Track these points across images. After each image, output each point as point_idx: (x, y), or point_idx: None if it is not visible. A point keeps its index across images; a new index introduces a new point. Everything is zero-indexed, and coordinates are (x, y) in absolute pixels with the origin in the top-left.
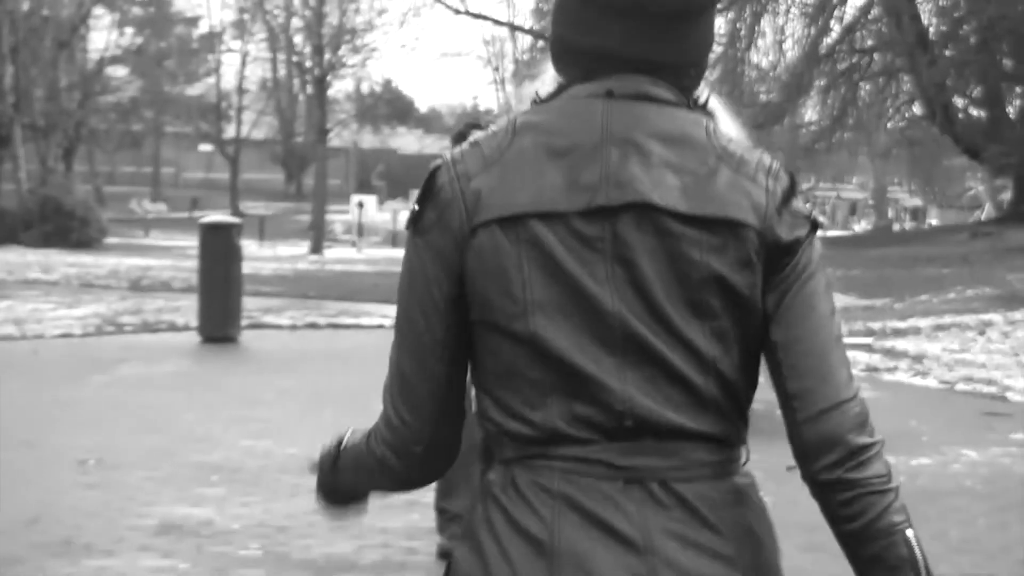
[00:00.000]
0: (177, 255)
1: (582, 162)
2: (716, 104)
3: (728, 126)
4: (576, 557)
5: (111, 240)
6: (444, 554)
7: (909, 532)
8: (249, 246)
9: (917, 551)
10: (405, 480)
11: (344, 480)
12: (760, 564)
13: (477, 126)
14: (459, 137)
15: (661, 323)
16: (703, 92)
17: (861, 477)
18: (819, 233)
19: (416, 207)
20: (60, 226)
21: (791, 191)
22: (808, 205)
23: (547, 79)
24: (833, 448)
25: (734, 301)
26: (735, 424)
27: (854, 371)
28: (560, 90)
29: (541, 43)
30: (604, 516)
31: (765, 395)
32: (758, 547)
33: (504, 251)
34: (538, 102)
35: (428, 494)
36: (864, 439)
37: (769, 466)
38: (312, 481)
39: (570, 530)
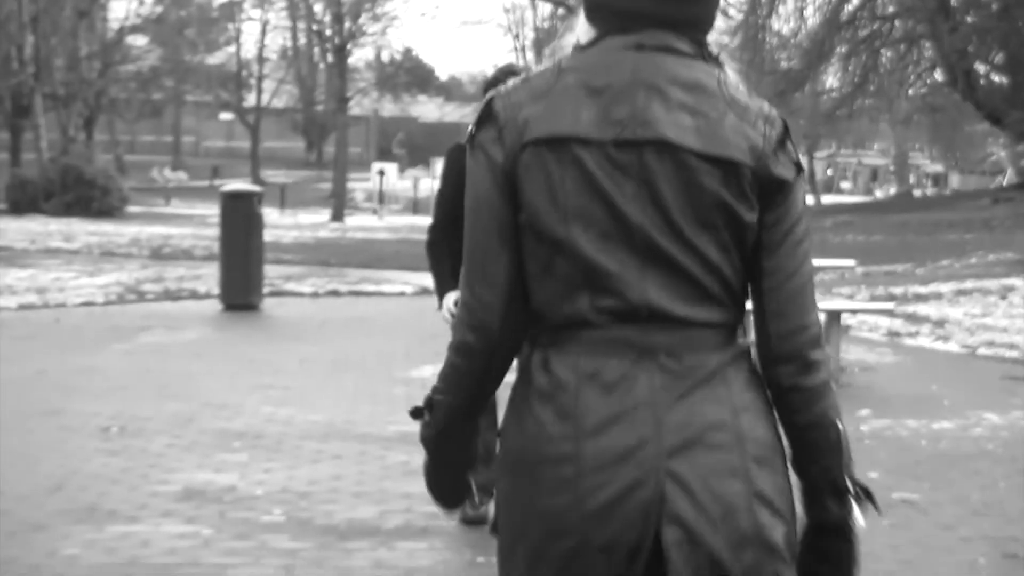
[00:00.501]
0: (198, 223)
1: (614, 100)
2: (728, 63)
3: (734, 75)
4: (594, 420)
5: (132, 209)
6: (467, 520)
7: (839, 423)
8: (270, 214)
9: (843, 437)
10: (485, 367)
11: (438, 419)
12: (754, 423)
13: (514, 73)
14: (493, 83)
15: (675, 234)
16: (717, 49)
17: (812, 384)
18: (804, 176)
19: (473, 128)
20: (81, 195)
21: (784, 136)
22: (794, 150)
23: (580, 29)
24: (795, 360)
25: (735, 222)
26: (733, 313)
27: (877, 336)
28: (597, 39)
29: (561, 11)
30: (619, 386)
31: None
32: (759, 401)
33: (548, 167)
34: (580, 49)
35: None
36: (818, 355)
37: None
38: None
39: (590, 399)
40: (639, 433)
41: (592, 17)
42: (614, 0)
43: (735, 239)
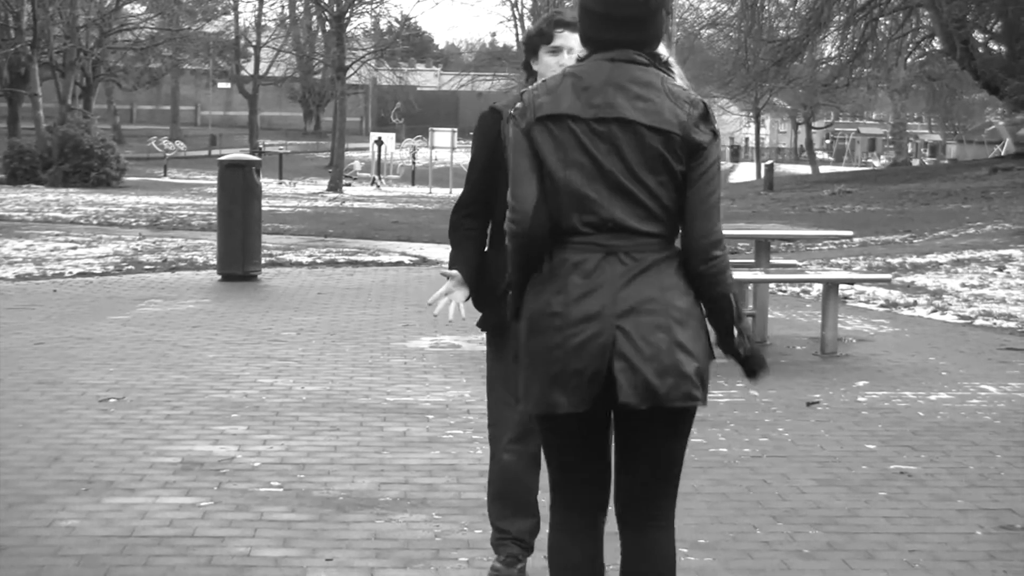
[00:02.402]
0: (196, 193)
1: (595, 93)
2: (673, 63)
3: (678, 76)
4: (575, 293)
5: (130, 179)
6: (495, 571)
7: (732, 295)
8: (268, 184)
9: (735, 303)
10: (526, 245)
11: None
12: (677, 297)
13: (565, 22)
14: (537, 32)
15: (632, 176)
16: (664, 55)
17: (716, 271)
18: (720, 138)
19: (512, 112)
20: (79, 165)
21: (704, 113)
22: (713, 122)
23: (578, 49)
24: (707, 255)
25: (670, 168)
26: (668, 228)
27: (874, 307)
28: (588, 56)
29: None
30: (591, 272)
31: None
32: (683, 289)
33: (554, 133)
34: (579, 60)
35: (447, 432)
36: (721, 252)
37: (788, 401)
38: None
39: (574, 280)
40: (602, 302)
41: (584, 43)
42: (596, 35)
43: (670, 179)
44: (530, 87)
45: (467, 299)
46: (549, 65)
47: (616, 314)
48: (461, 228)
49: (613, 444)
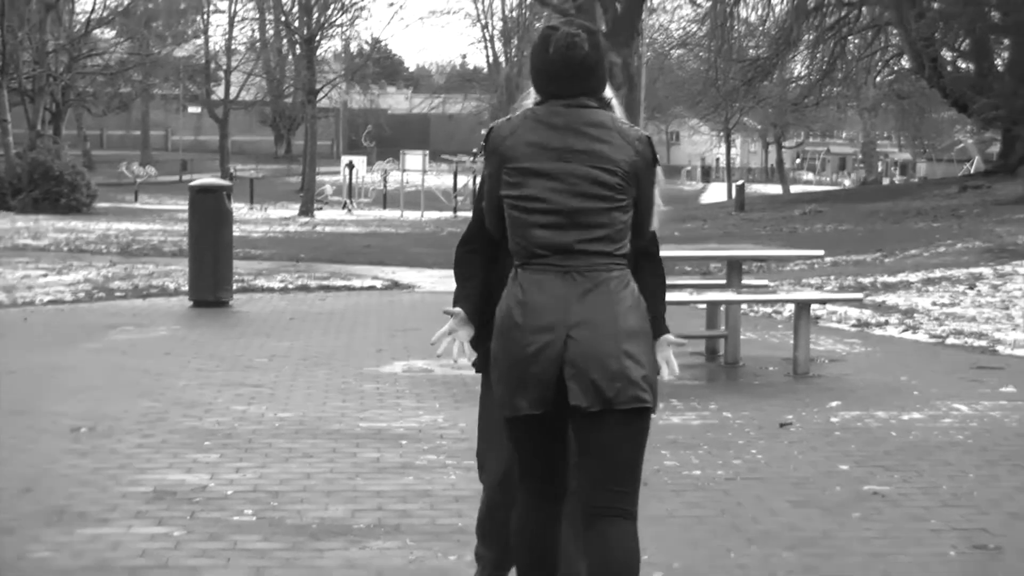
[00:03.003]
0: (167, 219)
1: (552, 136)
2: (615, 103)
3: (619, 112)
4: (536, 306)
5: (101, 205)
6: None
7: (664, 286)
8: (239, 209)
9: (663, 289)
10: (485, 242)
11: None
12: (626, 313)
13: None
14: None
15: (587, 208)
16: (610, 97)
17: (652, 264)
18: (659, 166)
19: (481, 149)
20: (49, 191)
21: (648, 148)
22: (654, 155)
23: (532, 97)
24: (647, 251)
25: (621, 198)
26: (621, 249)
27: (845, 326)
28: (543, 101)
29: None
30: (548, 289)
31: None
32: (633, 305)
33: (517, 172)
34: (536, 104)
35: (421, 458)
36: (656, 248)
37: (761, 422)
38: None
39: (534, 295)
40: (556, 315)
41: (539, 93)
42: (545, 89)
43: (621, 207)
44: (496, 124)
45: (471, 337)
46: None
47: (568, 325)
48: (465, 264)
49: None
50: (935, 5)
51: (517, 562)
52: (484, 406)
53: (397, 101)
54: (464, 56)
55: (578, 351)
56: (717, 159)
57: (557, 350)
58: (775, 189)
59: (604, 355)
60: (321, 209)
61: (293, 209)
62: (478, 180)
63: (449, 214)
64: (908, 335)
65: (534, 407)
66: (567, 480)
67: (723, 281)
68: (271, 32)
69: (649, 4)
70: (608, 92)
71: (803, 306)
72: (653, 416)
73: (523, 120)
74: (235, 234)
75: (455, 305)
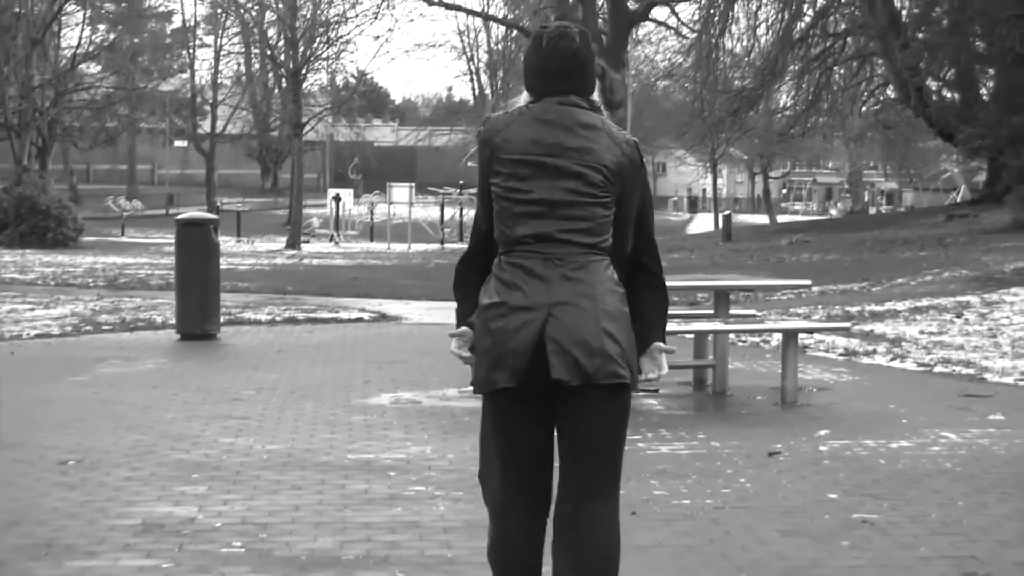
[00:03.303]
0: (154, 252)
1: (546, 132)
2: (601, 107)
3: (607, 115)
4: (520, 289)
5: (87, 239)
6: None
7: (664, 302)
8: (226, 242)
9: (664, 305)
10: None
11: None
12: (604, 295)
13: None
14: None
15: (573, 201)
16: (598, 102)
17: (652, 277)
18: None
19: (479, 141)
20: (36, 225)
21: (635, 151)
22: (640, 158)
23: (523, 97)
24: (643, 265)
25: (605, 194)
26: (603, 241)
27: (833, 355)
28: (537, 99)
29: (515, 33)
30: (535, 271)
31: (740, 382)
32: (611, 288)
33: (509, 163)
34: (530, 102)
35: (409, 489)
36: (656, 264)
37: (749, 451)
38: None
39: (520, 278)
40: (538, 297)
41: (531, 92)
42: (535, 86)
43: (604, 203)
44: (492, 117)
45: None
46: None
47: (549, 304)
48: (467, 282)
49: (556, 440)
50: (920, 35)
51: (496, 572)
52: (485, 428)
53: (383, 134)
54: (450, 89)
55: (559, 328)
56: (704, 189)
57: (538, 326)
58: (762, 219)
59: (585, 332)
60: (308, 242)
61: (280, 242)
62: (466, 213)
63: (436, 246)
64: (896, 364)
65: (509, 380)
66: (548, 500)
67: (711, 311)
68: (257, 66)
69: (635, 35)
70: (596, 97)
71: (791, 335)
72: (642, 445)
73: (519, 115)
74: (222, 267)
75: (458, 325)
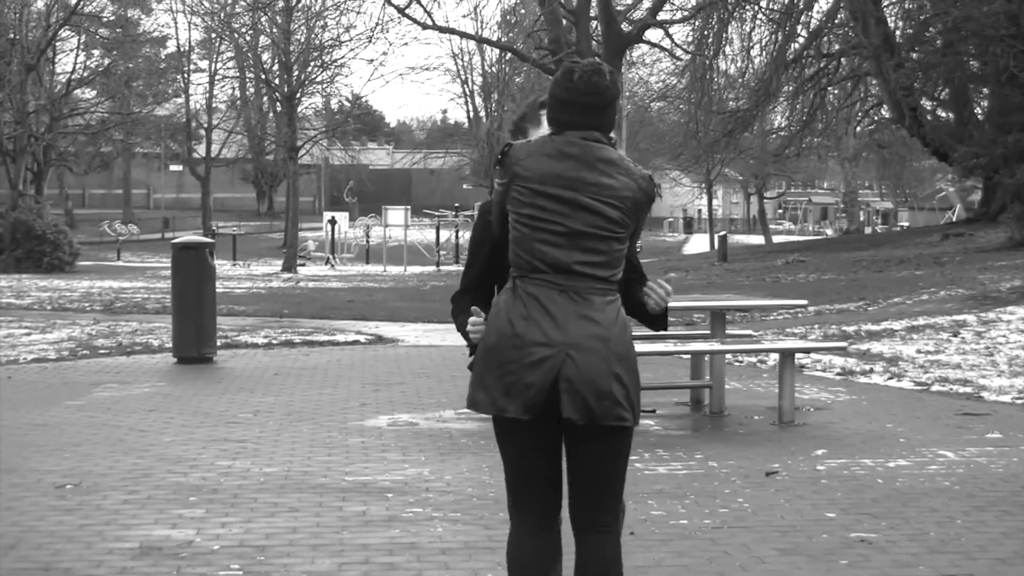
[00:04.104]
0: (150, 276)
1: (567, 166)
2: (615, 140)
3: (622, 151)
4: (537, 324)
5: (83, 263)
6: None
7: (664, 305)
8: (222, 266)
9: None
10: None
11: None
12: (618, 336)
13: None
14: (541, 105)
15: (590, 234)
16: (615, 139)
17: (642, 286)
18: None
19: (497, 165)
20: (31, 250)
21: (651, 185)
22: (654, 191)
23: (543, 128)
24: (640, 277)
25: (621, 229)
26: (615, 274)
27: (830, 375)
28: (559, 132)
29: (509, 55)
30: (548, 305)
31: (737, 402)
32: (623, 328)
33: (527, 190)
34: (552, 134)
35: (407, 511)
36: (642, 271)
37: (747, 471)
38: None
39: (533, 310)
40: (554, 331)
41: (553, 124)
42: (561, 118)
43: (619, 237)
44: (513, 145)
45: None
46: None
47: (567, 343)
48: (465, 303)
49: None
50: (913, 55)
51: None
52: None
53: (379, 157)
54: (444, 111)
55: (575, 370)
56: (699, 210)
57: (555, 365)
58: (757, 239)
59: (597, 375)
60: (304, 265)
61: (276, 265)
62: (462, 235)
63: (432, 268)
64: (893, 383)
65: (521, 412)
66: (557, 511)
67: (707, 331)
68: (252, 90)
69: (629, 57)
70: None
71: (787, 355)
72: (639, 465)
73: (540, 145)
74: (218, 290)
75: (467, 340)
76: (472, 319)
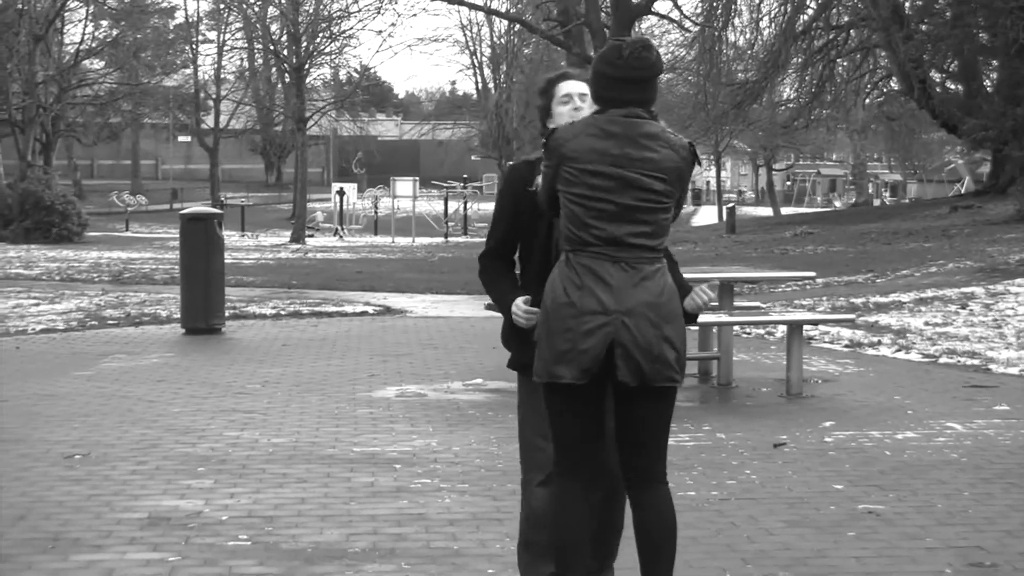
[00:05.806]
0: (158, 247)
1: (612, 145)
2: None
3: (664, 124)
4: (592, 293)
5: (92, 234)
6: None
7: (677, 266)
8: (231, 237)
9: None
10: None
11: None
12: (668, 300)
13: (566, 74)
14: (549, 82)
15: (637, 207)
16: (656, 111)
17: (672, 259)
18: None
19: (543, 146)
20: (40, 221)
21: (691, 154)
22: (697, 159)
23: (587, 107)
24: (667, 258)
25: (666, 199)
26: (663, 242)
27: (838, 347)
28: (604, 110)
29: (517, 26)
30: (603, 275)
31: (745, 373)
32: (671, 292)
33: (576, 170)
34: (596, 112)
35: (415, 481)
36: (672, 257)
37: (754, 443)
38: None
39: (588, 280)
40: (609, 300)
41: (596, 101)
42: (607, 95)
43: (665, 208)
44: (557, 128)
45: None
46: (563, 114)
47: (621, 311)
48: (491, 269)
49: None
50: (923, 27)
51: (555, 543)
52: (523, 408)
53: (387, 128)
54: (453, 83)
55: (629, 336)
56: (708, 182)
57: (611, 331)
58: (766, 211)
59: (649, 341)
60: (312, 236)
61: (284, 236)
62: (471, 206)
63: (440, 239)
64: (901, 355)
65: (576, 377)
66: (600, 474)
67: (715, 303)
68: (260, 61)
69: (637, 29)
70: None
71: (795, 327)
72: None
73: (585, 126)
74: (226, 261)
75: (499, 301)
76: (525, 308)
